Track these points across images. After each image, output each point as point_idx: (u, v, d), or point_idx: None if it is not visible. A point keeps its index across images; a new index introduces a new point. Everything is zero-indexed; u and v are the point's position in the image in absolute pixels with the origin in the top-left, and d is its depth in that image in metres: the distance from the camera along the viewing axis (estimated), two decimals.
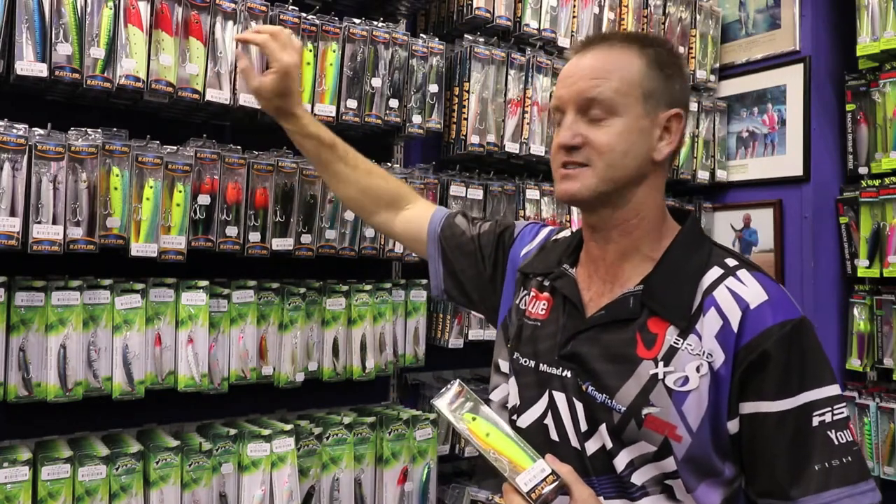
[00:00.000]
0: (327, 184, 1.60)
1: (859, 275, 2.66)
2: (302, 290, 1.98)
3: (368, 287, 2.09)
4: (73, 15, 1.60)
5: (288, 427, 1.89)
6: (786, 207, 2.83)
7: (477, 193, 2.31)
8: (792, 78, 2.82)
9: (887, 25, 2.51)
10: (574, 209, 2.55)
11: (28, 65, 1.56)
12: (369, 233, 2.08)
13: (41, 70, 1.57)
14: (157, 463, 1.67)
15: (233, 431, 1.84)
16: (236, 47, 1.75)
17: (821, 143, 2.78)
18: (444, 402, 1.08)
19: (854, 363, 2.68)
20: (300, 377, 1.97)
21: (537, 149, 2.38)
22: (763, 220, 2.88)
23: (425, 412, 2.17)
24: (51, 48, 1.58)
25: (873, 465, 2.56)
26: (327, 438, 1.97)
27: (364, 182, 1.55)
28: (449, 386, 1.09)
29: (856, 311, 2.70)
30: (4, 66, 1.57)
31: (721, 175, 2.99)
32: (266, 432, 1.85)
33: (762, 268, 1.11)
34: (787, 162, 2.83)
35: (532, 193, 2.42)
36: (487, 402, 1.27)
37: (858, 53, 2.61)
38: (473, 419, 1.05)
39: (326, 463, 1.97)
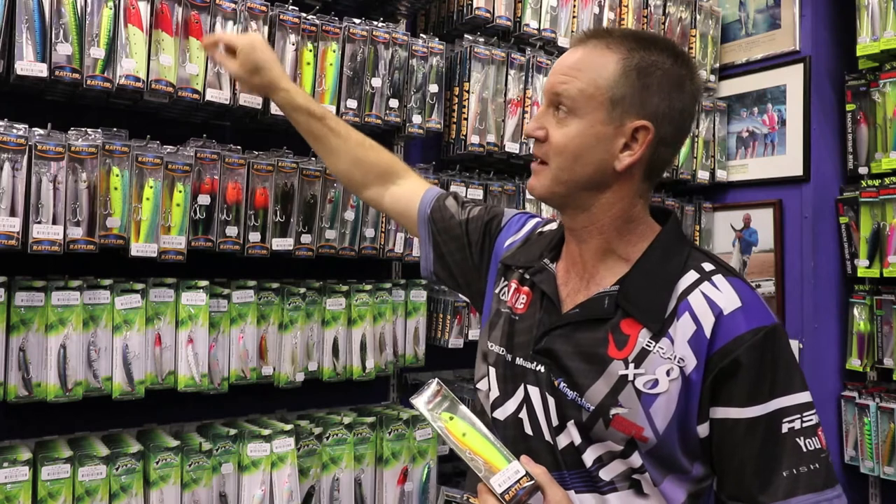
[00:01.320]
0: (320, 157, 1.61)
1: (859, 275, 2.66)
2: (302, 290, 1.98)
3: (368, 287, 2.10)
4: (73, 15, 1.60)
5: (288, 427, 1.89)
6: (786, 207, 2.83)
7: (477, 193, 2.31)
8: (792, 78, 2.82)
9: (887, 25, 2.51)
10: None
11: (28, 65, 1.56)
12: (369, 233, 2.08)
13: (41, 70, 1.57)
14: (157, 463, 1.67)
15: (233, 431, 1.84)
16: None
17: (821, 143, 2.78)
18: (422, 401, 1.08)
19: (854, 363, 2.69)
20: (300, 377, 1.97)
21: None
22: (763, 220, 2.88)
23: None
24: (51, 48, 1.58)
25: (873, 464, 2.56)
26: (327, 438, 1.97)
27: (355, 153, 1.54)
28: (427, 385, 1.09)
29: (856, 311, 2.70)
30: (4, 66, 1.57)
31: (721, 175, 2.99)
32: (266, 432, 1.85)
33: (740, 273, 1.11)
34: (787, 162, 2.83)
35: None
36: (474, 392, 1.27)
37: (858, 53, 2.61)
38: (451, 419, 1.05)
39: (326, 463, 1.97)
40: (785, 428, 1.00)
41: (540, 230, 1.32)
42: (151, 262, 1.72)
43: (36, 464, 1.57)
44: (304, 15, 1.94)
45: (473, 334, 2.30)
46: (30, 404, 1.63)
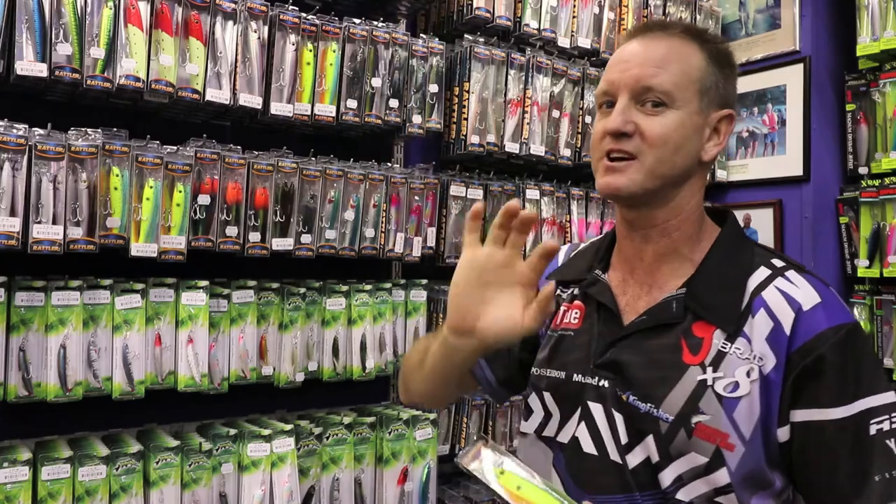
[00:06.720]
0: (424, 392, 1.28)
1: (859, 275, 2.66)
2: (302, 290, 1.97)
3: (368, 287, 2.09)
4: (73, 15, 1.60)
5: (288, 427, 1.89)
6: (786, 207, 2.83)
7: (477, 193, 2.31)
8: (792, 78, 2.82)
9: (887, 25, 2.51)
10: (574, 209, 2.55)
11: (28, 65, 1.56)
12: (369, 233, 2.08)
13: (41, 70, 1.57)
14: (157, 463, 1.67)
15: (233, 431, 1.84)
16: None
17: (821, 143, 2.78)
18: (469, 460, 1.03)
19: None
20: (300, 377, 1.97)
21: (537, 149, 2.38)
22: (763, 220, 2.88)
23: (425, 412, 2.17)
24: (51, 48, 1.58)
25: None
26: (327, 438, 1.97)
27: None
28: (473, 443, 1.04)
29: (856, 312, 2.69)
30: (4, 66, 1.57)
31: (721, 175, 2.99)
32: (266, 432, 1.85)
33: (809, 269, 1.06)
34: (787, 162, 2.83)
35: (532, 193, 2.42)
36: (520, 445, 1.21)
37: (858, 53, 2.60)
38: (501, 473, 0.99)
39: (326, 463, 1.97)
40: (873, 430, 0.95)
41: (574, 252, 1.26)
42: (151, 262, 1.72)
43: (36, 464, 1.57)
44: (304, 15, 1.94)
45: None
46: (30, 404, 1.63)
